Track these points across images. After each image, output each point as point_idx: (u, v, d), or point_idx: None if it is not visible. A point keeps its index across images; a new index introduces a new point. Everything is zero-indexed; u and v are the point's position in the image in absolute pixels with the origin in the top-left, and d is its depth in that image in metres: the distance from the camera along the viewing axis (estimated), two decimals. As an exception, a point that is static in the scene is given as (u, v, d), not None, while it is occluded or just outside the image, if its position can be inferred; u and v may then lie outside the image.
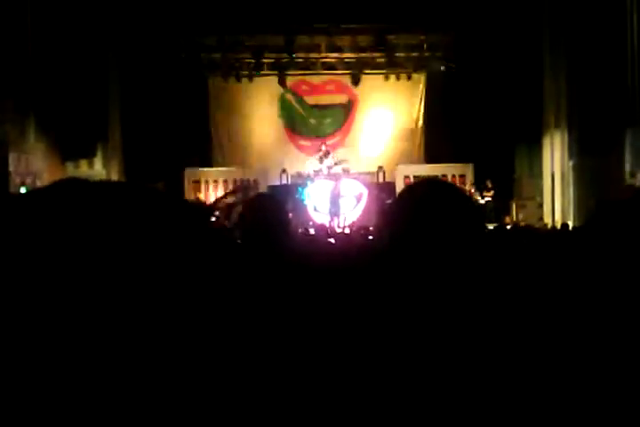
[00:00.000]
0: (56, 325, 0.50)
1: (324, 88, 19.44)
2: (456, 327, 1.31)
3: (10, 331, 0.50)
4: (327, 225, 15.41)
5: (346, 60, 18.80)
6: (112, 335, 0.51)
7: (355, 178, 18.09)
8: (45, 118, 13.74)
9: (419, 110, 19.47)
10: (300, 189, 17.49)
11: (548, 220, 15.29)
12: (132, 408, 0.50)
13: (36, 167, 13.34)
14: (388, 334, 1.31)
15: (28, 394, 0.49)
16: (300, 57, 18.56)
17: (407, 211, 1.44)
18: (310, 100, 19.48)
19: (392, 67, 18.81)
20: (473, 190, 16.57)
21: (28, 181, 12.83)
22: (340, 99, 19.54)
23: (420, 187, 1.57)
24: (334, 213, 16.94)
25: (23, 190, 12.32)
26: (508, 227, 10.10)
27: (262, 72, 18.66)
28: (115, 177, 16.30)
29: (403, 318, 1.32)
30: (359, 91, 19.33)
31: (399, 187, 16.85)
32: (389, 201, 15.42)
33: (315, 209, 17.39)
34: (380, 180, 18.16)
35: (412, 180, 17.20)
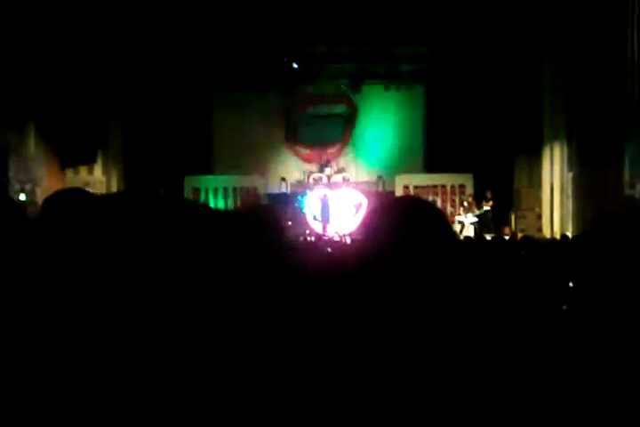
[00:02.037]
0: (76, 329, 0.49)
1: (325, 98, 19.49)
2: (446, 335, 1.31)
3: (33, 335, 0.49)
4: (323, 233, 15.40)
5: (346, 70, 18.85)
6: (117, 335, 0.51)
7: (354, 187, 18.11)
8: (46, 125, 13.77)
9: (419, 120, 19.50)
10: (299, 197, 17.50)
11: (546, 231, 15.29)
12: (133, 408, 0.49)
13: (35, 173, 13.36)
14: (379, 341, 1.31)
15: (32, 392, 0.49)
16: (301, 67, 18.60)
17: (383, 228, 1.46)
18: (311, 109, 19.52)
19: (392, 77, 18.85)
20: (471, 200, 16.60)
21: (28, 187, 12.85)
22: (341, 108, 19.57)
23: (394, 205, 1.59)
24: (325, 220, 16.94)
25: (22, 197, 12.33)
26: (507, 237, 10.11)
27: (263, 82, 18.68)
28: (114, 184, 16.33)
29: (393, 325, 1.33)
30: (359, 100, 19.38)
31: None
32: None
33: (314, 218, 17.39)
34: (380, 189, 18.16)
35: (411, 189, 17.22)
